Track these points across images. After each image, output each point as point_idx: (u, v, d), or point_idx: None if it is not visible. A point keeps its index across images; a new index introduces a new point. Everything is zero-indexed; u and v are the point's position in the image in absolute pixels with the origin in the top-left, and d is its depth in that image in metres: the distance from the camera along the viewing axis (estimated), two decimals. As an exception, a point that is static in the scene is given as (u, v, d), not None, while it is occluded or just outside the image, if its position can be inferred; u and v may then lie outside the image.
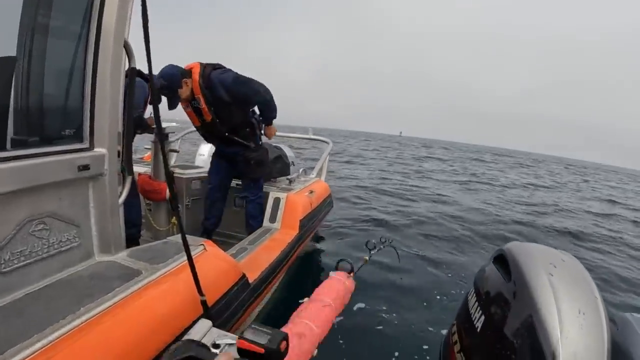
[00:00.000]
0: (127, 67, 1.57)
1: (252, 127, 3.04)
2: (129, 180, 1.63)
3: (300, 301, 1.88)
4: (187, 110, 2.86)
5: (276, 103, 2.93)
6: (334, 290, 1.93)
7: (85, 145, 1.42)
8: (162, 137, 1.32)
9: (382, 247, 2.99)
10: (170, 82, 2.56)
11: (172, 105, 2.64)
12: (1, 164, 1.11)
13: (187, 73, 2.62)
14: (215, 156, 3.20)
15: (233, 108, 2.79)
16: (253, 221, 3.10)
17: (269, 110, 2.93)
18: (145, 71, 1.32)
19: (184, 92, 2.63)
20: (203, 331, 1.18)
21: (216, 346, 1.12)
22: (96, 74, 1.42)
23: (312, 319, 1.65)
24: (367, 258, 2.70)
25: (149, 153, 4.35)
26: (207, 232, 3.19)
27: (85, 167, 1.38)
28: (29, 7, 1.45)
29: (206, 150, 4.84)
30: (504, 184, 13.52)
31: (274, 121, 3.07)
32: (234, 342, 1.06)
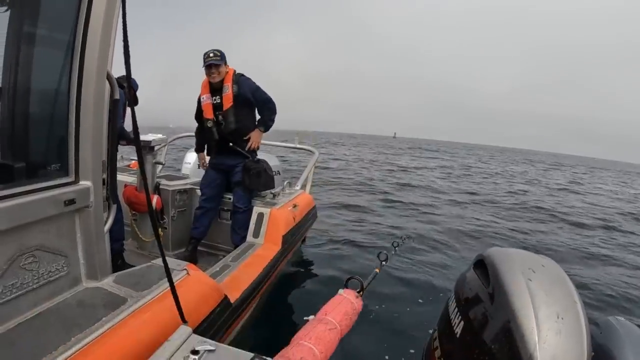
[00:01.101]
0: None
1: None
2: (113, 208, 1.69)
3: (305, 318, 1.84)
4: (205, 102, 3.16)
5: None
6: (341, 312, 1.83)
7: (71, 179, 1.47)
8: (140, 150, 1.32)
9: (395, 251, 2.98)
10: (224, 55, 3.04)
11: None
12: None
13: (225, 61, 3.07)
14: (211, 168, 3.36)
15: (247, 110, 3.21)
16: (242, 231, 3.17)
17: (272, 118, 3.25)
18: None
19: (224, 71, 3.06)
20: (183, 338, 1.26)
21: (195, 352, 1.20)
22: (80, 107, 1.45)
23: (316, 343, 1.57)
24: (378, 270, 2.50)
25: (134, 161, 4.37)
26: (196, 240, 3.24)
27: (71, 202, 1.43)
28: (11, 42, 1.48)
29: (192, 158, 4.86)
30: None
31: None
32: (213, 348, 1.13)
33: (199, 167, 4.61)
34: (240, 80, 3.11)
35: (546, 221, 8.13)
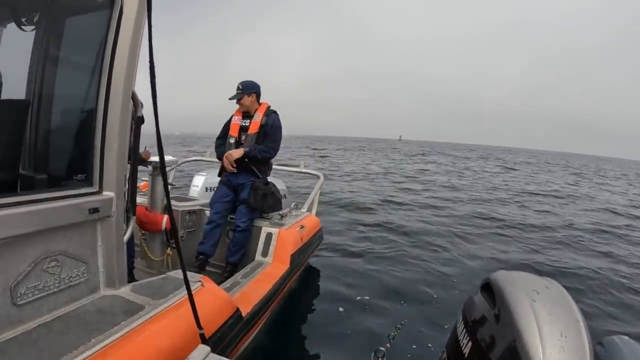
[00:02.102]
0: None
1: (267, 162, 3.53)
2: (133, 219, 1.75)
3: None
4: (235, 122, 3.49)
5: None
6: None
7: (95, 189, 1.55)
8: (164, 169, 1.41)
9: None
10: (251, 86, 3.42)
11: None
12: (19, 207, 1.23)
13: (259, 95, 3.49)
14: (222, 184, 3.46)
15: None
16: (237, 251, 3.23)
17: (262, 154, 3.37)
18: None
19: (247, 101, 3.40)
20: (202, 356, 1.28)
21: None
22: (106, 123, 1.54)
23: None
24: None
25: (145, 182, 4.45)
26: (204, 256, 3.26)
27: (95, 210, 1.50)
28: (41, 60, 1.59)
29: (200, 181, 4.94)
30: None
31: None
32: None
33: (206, 190, 4.69)
34: (271, 114, 3.45)
35: None
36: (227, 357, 1.80)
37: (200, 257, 3.25)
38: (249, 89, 3.41)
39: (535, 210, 10.04)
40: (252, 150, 3.30)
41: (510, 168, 26.90)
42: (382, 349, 2.41)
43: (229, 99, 3.46)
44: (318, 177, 4.64)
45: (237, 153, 3.30)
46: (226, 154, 3.35)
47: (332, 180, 12.42)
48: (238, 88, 3.41)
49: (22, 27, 1.58)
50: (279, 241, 3.13)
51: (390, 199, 10.38)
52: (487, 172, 21.83)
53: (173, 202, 3.42)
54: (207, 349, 1.31)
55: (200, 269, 3.19)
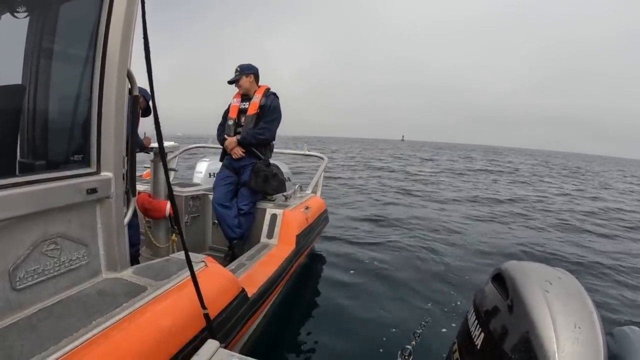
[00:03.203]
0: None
1: (267, 143, 3.46)
2: (133, 201, 1.71)
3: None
4: (234, 104, 3.46)
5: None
6: None
7: (93, 169, 1.51)
8: (163, 155, 1.38)
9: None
10: (249, 67, 3.38)
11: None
12: (16, 188, 1.20)
13: (258, 77, 3.45)
14: (223, 167, 3.45)
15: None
16: (240, 231, 3.20)
17: (256, 136, 3.31)
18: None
19: (245, 83, 3.35)
20: (211, 352, 1.25)
21: None
22: (102, 103, 1.50)
23: None
24: None
25: (147, 170, 4.43)
26: (236, 240, 3.23)
27: (93, 191, 1.47)
28: (34, 42, 1.55)
29: (203, 167, 4.93)
30: None
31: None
32: None
33: (209, 176, 4.67)
34: (269, 95, 3.40)
35: None
36: (233, 339, 1.79)
37: (234, 242, 3.25)
38: (247, 70, 3.37)
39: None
40: (245, 137, 3.27)
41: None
42: (408, 347, 2.37)
43: (228, 82, 3.43)
44: (322, 158, 4.63)
45: (231, 143, 3.30)
46: (228, 148, 3.34)
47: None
48: (236, 70, 3.37)
49: (16, 14, 1.53)
50: (284, 222, 3.11)
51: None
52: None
53: (176, 188, 3.41)
54: (217, 343, 1.29)
55: (233, 258, 3.20)
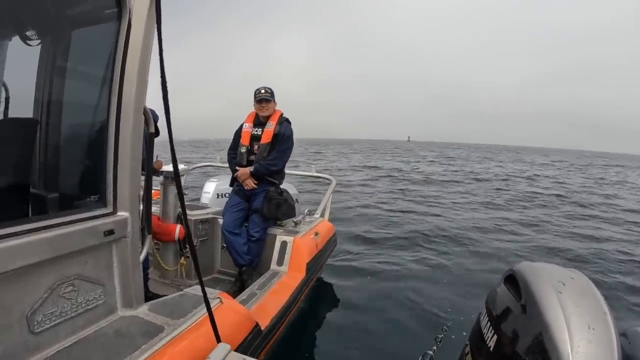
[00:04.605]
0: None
1: (281, 171, 3.46)
2: (148, 239, 1.72)
3: None
4: (246, 130, 3.38)
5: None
6: None
7: (109, 210, 1.51)
8: (178, 180, 1.34)
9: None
10: (273, 93, 3.33)
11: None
12: (32, 235, 1.20)
13: (274, 99, 3.36)
14: (234, 193, 3.42)
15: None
16: (250, 258, 3.20)
17: (268, 167, 3.28)
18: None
19: (271, 108, 3.32)
20: (222, 355, 1.24)
21: None
22: (118, 142, 1.51)
23: None
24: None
25: (155, 190, 4.44)
26: (245, 267, 3.24)
27: (110, 232, 1.47)
28: (49, 77, 1.55)
29: (211, 188, 4.93)
30: None
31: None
32: None
33: (217, 197, 4.66)
34: (283, 122, 3.35)
35: None
36: None
37: (243, 269, 3.24)
38: (273, 96, 3.34)
39: None
40: (259, 170, 3.25)
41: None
42: (429, 352, 2.33)
43: (257, 96, 3.29)
44: (330, 181, 4.60)
45: (243, 175, 3.28)
46: (240, 180, 3.31)
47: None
48: (267, 91, 3.30)
49: (28, 42, 1.54)
50: (294, 250, 3.10)
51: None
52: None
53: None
54: (228, 346, 1.28)
55: (242, 284, 3.16)
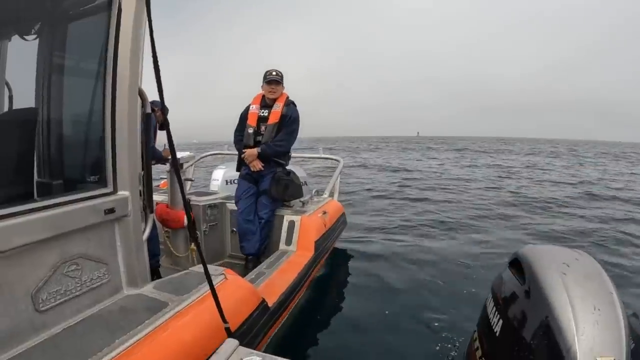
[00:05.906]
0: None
1: (287, 154, 3.47)
2: (151, 217, 1.73)
3: None
4: (253, 111, 3.37)
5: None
6: None
7: (109, 189, 1.53)
8: (177, 167, 1.37)
9: None
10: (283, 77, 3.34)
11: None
12: (34, 214, 1.22)
13: (283, 82, 3.37)
14: (242, 178, 3.42)
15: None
16: (258, 247, 3.21)
17: (275, 149, 3.28)
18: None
19: (279, 90, 3.33)
20: (230, 350, 1.25)
21: None
22: (115, 122, 1.52)
23: None
24: None
25: (164, 180, 4.48)
26: (252, 256, 3.26)
27: (111, 210, 1.48)
28: (45, 65, 1.57)
29: (220, 175, 4.96)
30: None
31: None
32: (261, 359, 1.12)
33: (226, 183, 4.69)
34: (290, 105, 3.37)
35: None
36: (254, 349, 1.79)
37: (250, 257, 3.27)
38: (283, 80, 3.35)
39: None
40: (266, 151, 3.24)
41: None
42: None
43: (267, 77, 3.30)
44: (338, 161, 4.60)
45: (250, 155, 3.26)
46: (247, 160, 3.30)
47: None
48: (277, 74, 3.31)
49: (25, 37, 1.56)
50: (302, 228, 3.11)
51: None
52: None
53: (193, 197, 3.43)
54: (236, 342, 1.29)
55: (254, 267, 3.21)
